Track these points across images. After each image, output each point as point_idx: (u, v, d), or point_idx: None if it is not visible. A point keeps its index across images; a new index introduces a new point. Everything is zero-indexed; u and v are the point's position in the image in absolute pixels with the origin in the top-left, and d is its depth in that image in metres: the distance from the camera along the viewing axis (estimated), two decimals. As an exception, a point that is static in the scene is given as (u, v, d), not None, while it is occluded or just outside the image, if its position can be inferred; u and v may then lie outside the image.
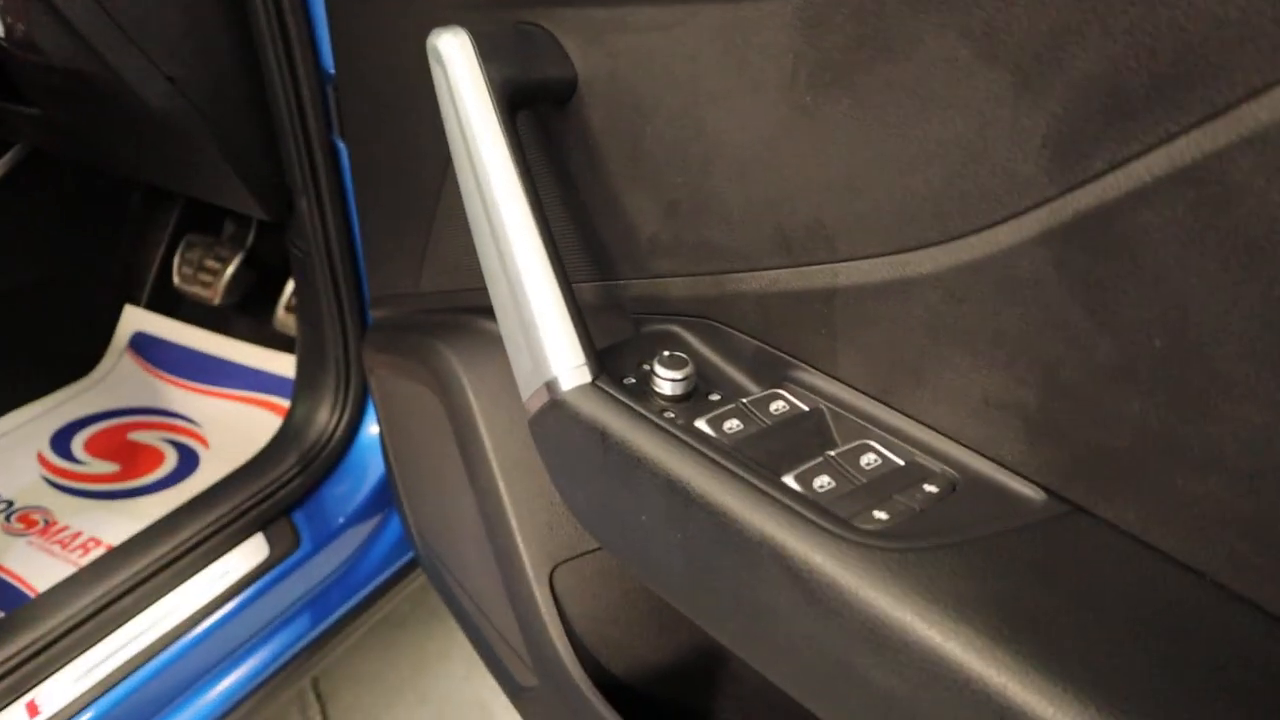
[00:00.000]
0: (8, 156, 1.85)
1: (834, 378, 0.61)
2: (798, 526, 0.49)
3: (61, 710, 1.19)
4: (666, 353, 0.65)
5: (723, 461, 0.54)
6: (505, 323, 0.67)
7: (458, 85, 0.67)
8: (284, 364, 1.92)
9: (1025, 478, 0.52)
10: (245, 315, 2.03)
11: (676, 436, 0.56)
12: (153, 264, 2.05)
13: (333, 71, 1.23)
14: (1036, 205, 0.45)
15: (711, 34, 0.59)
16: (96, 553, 1.49)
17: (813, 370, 0.63)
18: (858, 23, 0.50)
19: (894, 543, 0.48)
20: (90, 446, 1.80)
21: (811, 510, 0.50)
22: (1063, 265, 0.45)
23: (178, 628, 1.30)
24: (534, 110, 0.77)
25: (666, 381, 0.64)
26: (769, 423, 0.60)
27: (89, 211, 1.99)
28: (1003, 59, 0.44)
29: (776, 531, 0.49)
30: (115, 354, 2.04)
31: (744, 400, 0.62)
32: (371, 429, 1.56)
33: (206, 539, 1.39)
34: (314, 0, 1.19)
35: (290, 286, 1.91)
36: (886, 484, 0.54)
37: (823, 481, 0.54)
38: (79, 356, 2.02)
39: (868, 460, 0.56)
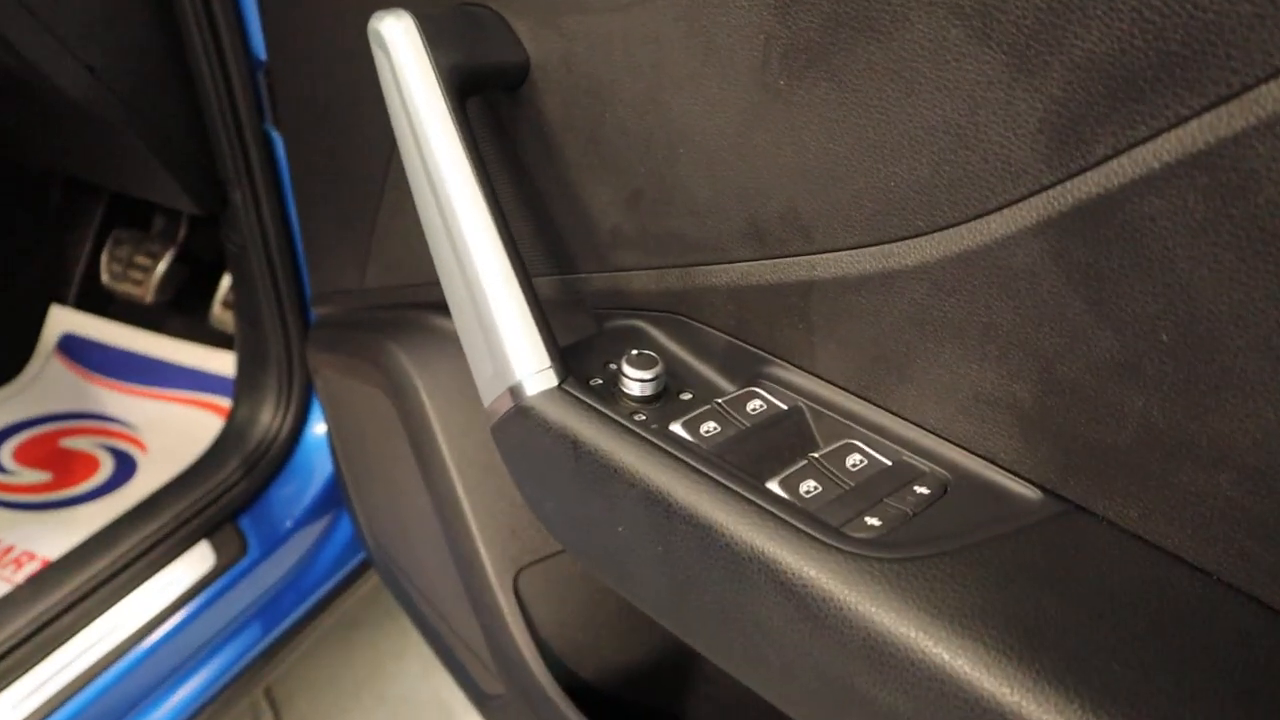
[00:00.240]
0: (-85, 152, 1.76)
1: (812, 374, 0.59)
2: (789, 538, 0.47)
3: (0, 738, 1.13)
4: (635, 351, 0.62)
5: (704, 469, 0.51)
6: (463, 323, 0.63)
7: (403, 72, 0.63)
8: (223, 362, 1.85)
9: (1019, 475, 0.50)
10: (179, 313, 1.95)
11: (653, 443, 0.53)
12: (79, 262, 1.97)
13: (264, 57, 1.18)
14: (1032, 193, 0.43)
15: (675, 14, 0.56)
16: (31, 568, 1.42)
17: (789, 366, 0.60)
18: (836, 1, 0.47)
19: (891, 552, 0.45)
20: (19, 455, 1.72)
21: (801, 519, 0.47)
22: (1061, 256, 0.43)
23: (121, 645, 1.25)
24: (483, 97, 0.73)
25: (635, 382, 0.61)
26: (747, 424, 0.57)
27: (5, 207, 1.90)
28: (997, 39, 0.42)
29: (767, 544, 0.47)
30: (42, 357, 1.95)
31: (719, 400, 0.59)
32: (318, 428, 1.51)
33: (149, 550, 1.33)
34: (242, -17, 1.14)
35: (226, 282, 1.84)
36: (875, 487, 0.52)
37: (809, 486, 0.52)
38: (2, 361, 1.93)
39: (853, 461, 0.54)
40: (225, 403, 1.75)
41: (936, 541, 0.46)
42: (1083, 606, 0.43)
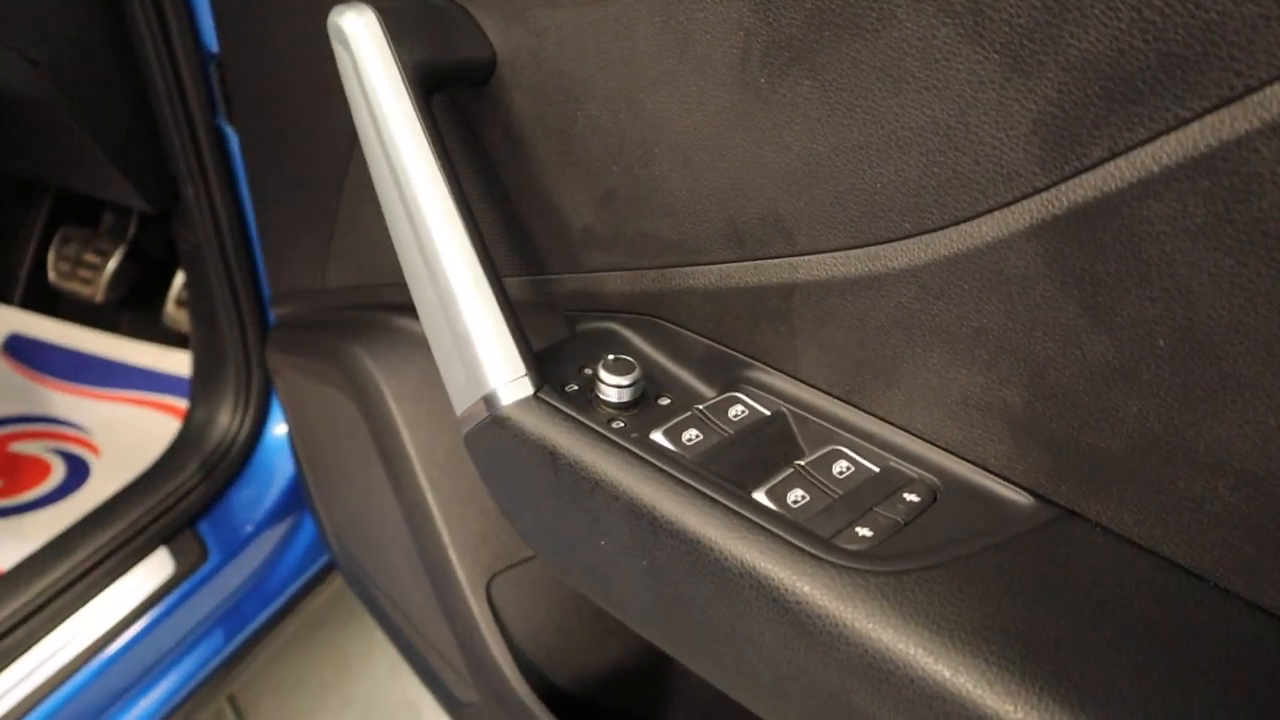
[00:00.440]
0: None
1: (794, 378, 0.57)
2: (779, 551, 0.45)
3: (-48, 759, 1.10)
4: (611, 356, 0.60)
5: (689, 481, 0.50)
6: (432, 329, 0.61)
7: (366, 69, 0.60)
8: (177, 362, 1.80)
9: (1009, 481, 0.49)
10: (131, 311, 1.90)
11: (635, 454, 0.52)
12: (24, 260, 1.91)
13: (215, 50, 1.14)
14: (1025, 196, 0.42)
15: (649, 9, 0.54)
16: (-19, 579, 1.38)
17: (770, 370, 0.59)
18: (820, -3, 0.46)
19: (885, 565, 0.44)
20: (-34, 462, 1.67)
21: (791, 532, 0.46)
22: (1056, 260, 0.42)
23: (78, 658, 1.21)
24: (448, 93, 0.71)
25: (613, 388, 0.59)
26: (730, 431, 0.55)
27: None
28: (989, 37, 0.40)
29: (758, 559, 0.45)
30: (-12, 359, 1.89)
31: (700, 407, 0.57)
32: (278, 428, 1.48)
33: (105, 558, 1.30)
34: (191, -27, 1.10)
35: (179, 279, 1.79)
36: (864, 495, 0.50)
37: (796, 496, 0.50)
38: (-54, 364, 1.87)
39: (840, 468, 0.53)
40: (181, 403, 1.71)
41: (930, 552, 0.45)
42: (1082, 617, 0.42)
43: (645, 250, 0.62)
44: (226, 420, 1.45)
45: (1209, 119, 0.35)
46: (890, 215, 0.48)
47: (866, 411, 0.54)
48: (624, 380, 0.59)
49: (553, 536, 0.59)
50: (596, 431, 0.54)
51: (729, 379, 0.60)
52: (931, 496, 0.50)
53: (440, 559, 0.86)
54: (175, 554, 1.36)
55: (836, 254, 0.51)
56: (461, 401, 0.60)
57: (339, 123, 0.84)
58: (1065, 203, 0.40)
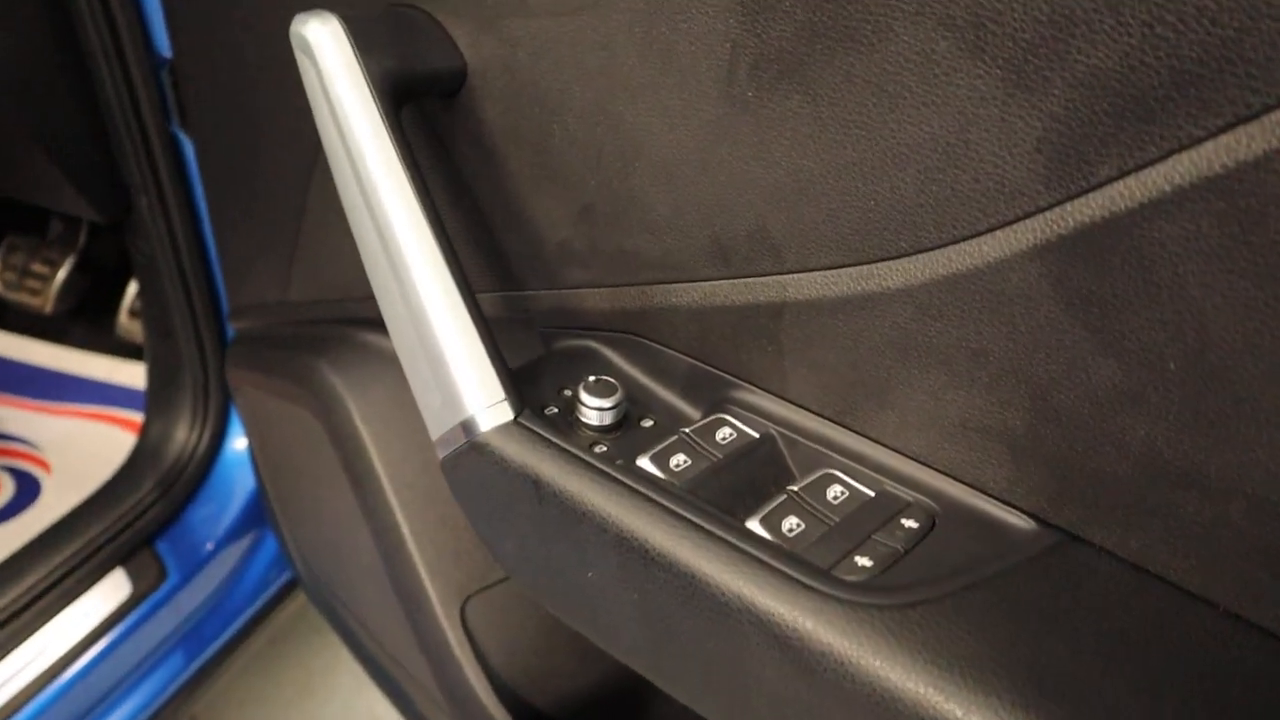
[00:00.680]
0: None
1: (782, 398, 0.56)
2: (778, 585, 0.43)
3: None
4: (592, 378, 0.58)
5: (681, 510, 0.48)
6: (406, 351, 0.58)
7: (331, 81, 0.58)
8: (131, 374, 1.75)
9: (1009, 504, 0.48)
10: (82, 322, 1.85)
11: (624, 483, 0.50)
12: (-32, 272, 1.85)
13: (169, 55, 1.10)
14: (1028, 215, 0.41)
15: (629, 19, 0.52)
16: (-73, 604, 1.33)
17: (757, 390, 0.57)
18: (812, 8, 0.44)
19: (889, 597, 0.43)
20: (-90, 481, 1.61)
21: (789, 564, 0.44)
22: (1060, 281, 0.40)
23: (33, 684, 1.17)
24: (417, 104, 0.68)
25: (594, 411, 0.57)
26: (719, 455, 0.54)
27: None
28: (991, 52, 0.39)
29: (756, 594, 0.43)
30: (-69, 373, 1.83)
31: (687, 430, 0.56)
32: (238, 442, 1.44)
33: (58, 581, 1.26)
34: (142, -25, 1.06)
35: (133, 288, 1.74)
36: (861, 521, 0.49)
37: (792, 524, 0.49)
38: (-113, 379, 1.80)
39: (834, 493, 0.51)
40: (136, 417, 1.66)
41: (934, 582, 0.44)
42: (1093, 648, 0.41)
43: (625, 266, 0.60)
44: (184, 434, 1.41)
45: (1224, 138, 0.34)
46: (885, 233, 0.46)
47: (858, 433, 0.53)
48: (606, 402, 0.57)
49: (536, 566, 0.57)
50: (581, 459, 0.52)
51: (714, 399, 0.59)
52: (930, 522, 0.49)
53: (412, 581, 0.84)
54: (132, 574, 1.32)
55: (828, 272, 0.50)
56: (437, 426, 0.57)
57: (302, 130, 0.81)
58: (1071, 222, 0.39)
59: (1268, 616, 0.41)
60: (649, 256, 0.58)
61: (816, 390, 0.54)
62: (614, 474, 0.50)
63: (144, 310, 1.41)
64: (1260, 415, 0.37)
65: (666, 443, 0.54)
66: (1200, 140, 0.35)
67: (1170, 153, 0.36)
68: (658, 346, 0.61)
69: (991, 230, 0.42)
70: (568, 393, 0.60)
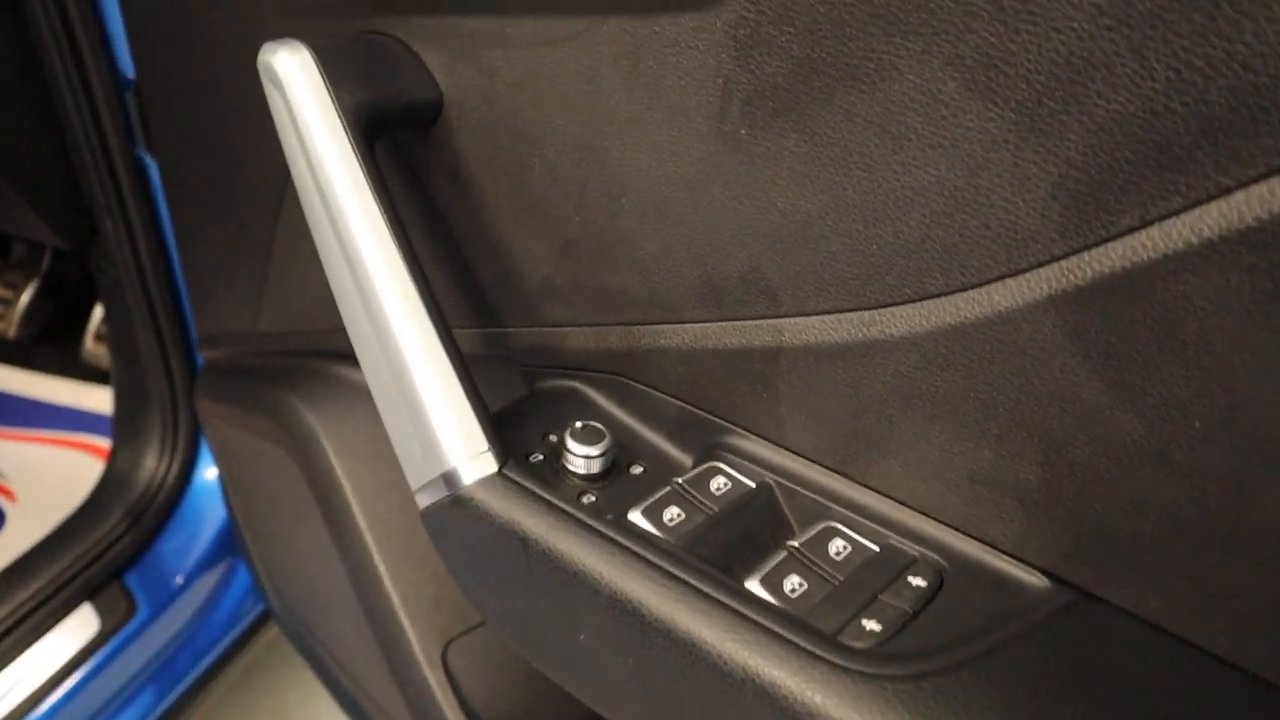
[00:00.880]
0: None
1: (779, 445, 0.53)
2: (783, 654, 0.41)
3: None
4: (579, 423, 0.55)
5: (677, 571, 0.45)
6: (382, 396, 0.56)
7: (301, 113, 0.55)
8: (98, 399, 1.71)
9: (1020, 560, 0.46)
10: (47, 347, 1.80)
11: (616, 541, 0.47)
12: (-72, 296, 1.79)
13: (133, 77, 1.06)
14: (1042, 264, 0.38)
15: (615, 52, 0.50)
16: (-114, 644, 1.28)
17: (751, 436, 0.54)
18: (810, 45, 0.42)
19: (901, 667, 0.40)
20: None
21: (794, 630, 0.42)
22: (1077, 334, 0.38)
23: (-4, 728, 1.13)
24: (391, 136, 0.65)
25: (581, 459, 0.54)
26: (714, 508, 0.51)
27: None
28: (1003, 94, 0.37)
29: (761, 664, 0.41)
30: (-110, 400, 1.77)
31: (679, 480, 0.53)
32: (208, 472, 1.40)
33: (24, 617, 1.22)
34: (105, -4, 1.02)
35: (99, 313, 1.70)
36: (866, 580, 0.46)
37: (794, 584, 0.46)
38: None
39: (836, 548, 0.49)
40: (103, 443, 1.62)
41: (946, 649, 0.41)
42: (1118, 718, 0.38)
43: (610, 305, 0.58)
44: (152, 464, 1.37)
45: (1255, 189, 0.32)
46: (888, 278, 0.44)
47: (859, 483, 0.50)
48: (594, 450, 0.54)
49: (523, 624, 0.54)
50: (571, 515, 0.49)
51: (705, 444, 0.56)
52: (938, 579, 0.46)
53: (391, 624, 0.81)
54: (101, 609, 1.28)
55: (826, 317, 0.47)
56: (417, 476, 0.55)
57: (269, 158, 0.78)
58: (1089, 273, 0.37)
59: None
60: (636, 295, 0.56)
61: (815, 438, 0.51)
62: (606, 531, 0.48)
63: (110, 337, 1.37)
64: None
65: (659, 495, 0.52)
66: (1229, 190, 0.33)
67: (1197, 203, 0.34)
68: (645, 388, 0.59)
69: (1002, 278, 0.40)
70: (553, 438, 0.58)
